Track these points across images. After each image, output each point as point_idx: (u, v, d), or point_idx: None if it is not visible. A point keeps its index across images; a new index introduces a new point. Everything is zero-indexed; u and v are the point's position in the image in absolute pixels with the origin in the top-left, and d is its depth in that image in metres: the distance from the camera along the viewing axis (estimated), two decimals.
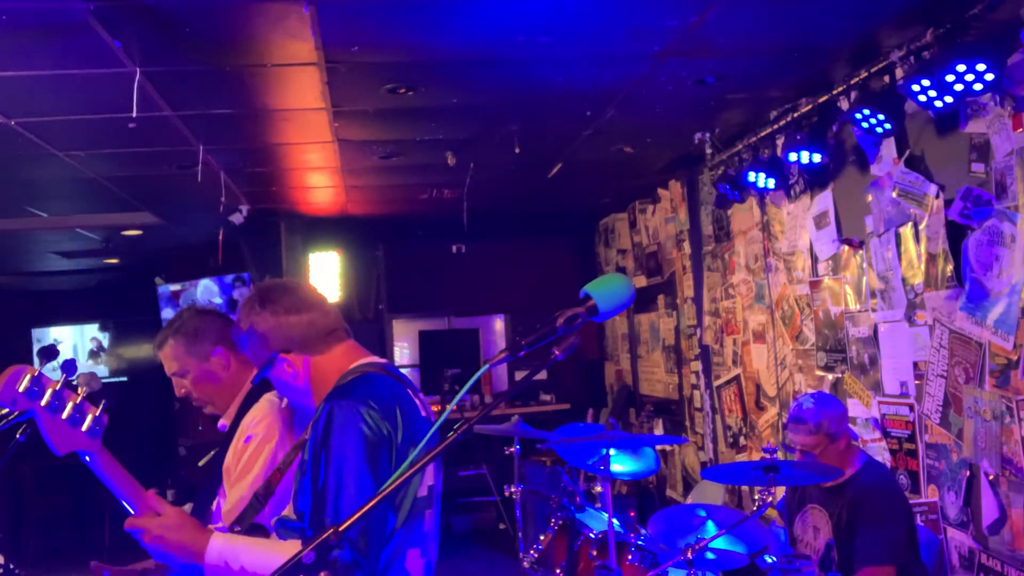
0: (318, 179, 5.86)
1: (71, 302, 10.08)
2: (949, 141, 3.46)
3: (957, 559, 3.51)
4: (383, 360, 2.10)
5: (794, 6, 3.15)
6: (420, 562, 1.93)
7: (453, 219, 7.52)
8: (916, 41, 3.27)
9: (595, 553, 3.54)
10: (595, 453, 3.78)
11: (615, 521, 3.42)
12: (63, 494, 8.76)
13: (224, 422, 2.55)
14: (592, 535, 3.56)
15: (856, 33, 3.47)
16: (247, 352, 2.11)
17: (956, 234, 3.44)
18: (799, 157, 4.11)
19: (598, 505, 3.92)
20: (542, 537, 3.84)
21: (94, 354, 9.64)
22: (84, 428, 2.07)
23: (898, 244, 3.82)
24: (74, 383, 2.10)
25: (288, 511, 1.98)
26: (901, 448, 3.87)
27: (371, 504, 1.31)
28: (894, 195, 3.79)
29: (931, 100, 3.19)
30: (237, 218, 6.03)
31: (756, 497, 3.13)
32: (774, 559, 3.01)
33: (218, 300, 7.59)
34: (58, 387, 2.01)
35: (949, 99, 3.14)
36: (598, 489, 3.97)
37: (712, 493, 5.59)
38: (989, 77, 2.99)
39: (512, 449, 4.55)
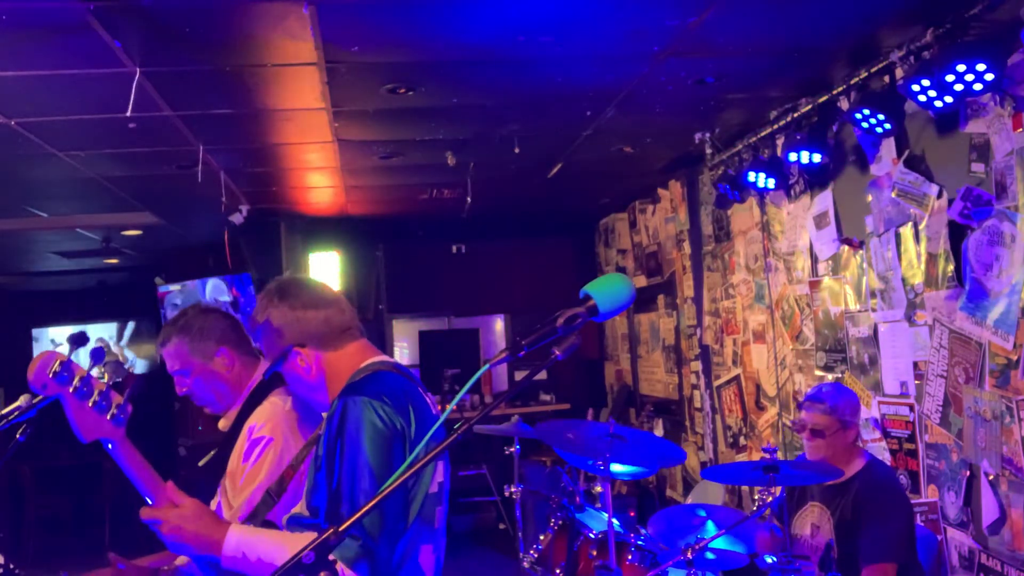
0: (318, 179, 5.86)
1: (71, 302, 10.09)
2: (949, 141, 3.46)
3: (957, 559, 3.51)
4: (393, 360, 2.13)
5: (794, 6, 3.15)
6: (432, 558, 1.96)
7: (453, 219, 7.52)
8: (916, 41, 3.27)
9: (595, 553, 3.54)
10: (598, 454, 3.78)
11: (615, 521, 3.42)
12: (63, 494, 8.76)
13: (225, 422, 2.54)
14: (592, 535, 3.56)
15: (856, 33, 3.47)
16: (262, 345, 2.12)
17: (956, 234, 3.44)
18: (799, 157, 4.11)
19: (598, 505, 3.92)
20: (542, 537, 3.84)
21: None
22: (109, 416, 2.11)
23: (898, 244, 3.83)
24: (102, 371, 2.14)
25: (300, 507, 1.99)
26: (901, 448, 3.87)
27: (377, 499, 1.32)
28: (894, 195, 3.79)
29: (931, 100, 3.19)
30: (237, 218, 6.02)
31: (756, 497, 3.13)
32: (774, 559, 3.01)
33: (225, 298, 7.57)
34: (85, 374, 2.05)
35: (949, 99, 3.14)
36: (598, 489, 3.96)
37: (712, 493, 5.59)
38: (989, 77, 2.99)
39: (512, 449, 4.55)
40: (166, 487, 1.98)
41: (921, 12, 3.22)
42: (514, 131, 4.71)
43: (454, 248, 8.57)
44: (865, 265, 4.10)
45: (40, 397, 2.10)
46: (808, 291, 4.67)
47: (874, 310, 4.04)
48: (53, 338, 9.67)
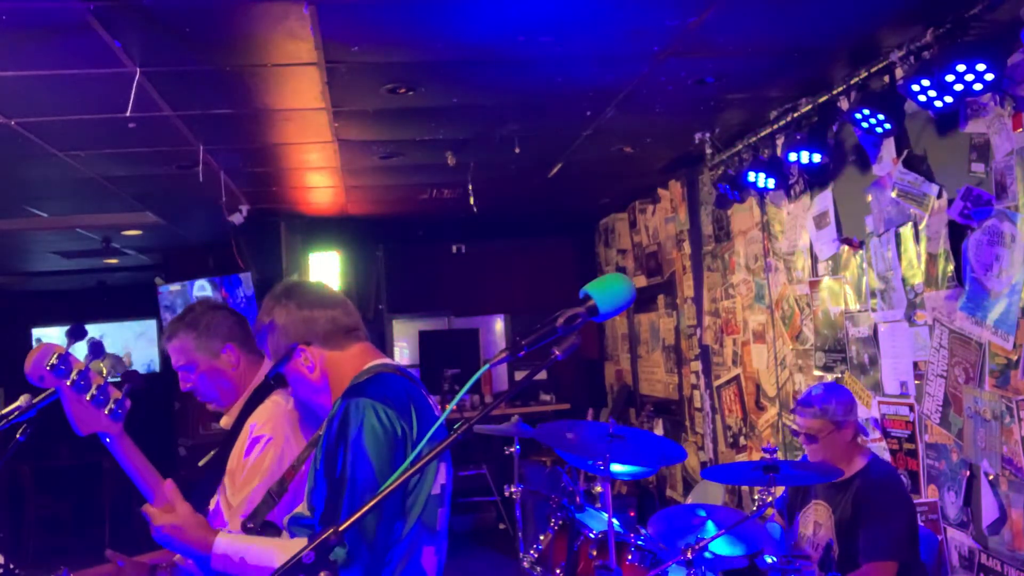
0: (318, 179, 5.86)
1: (71, 302, 10.09)
2: (949, 141, 3.46)
3: (957, 559, 3.51)
4: (397, 362, 2.14)
5: (794, 6, 3.15)
6: (434, 560, 1.96)
7: (453, 219, 7.53)
8: (916, 41, 3.27)
9: (595, 553, 3.54)
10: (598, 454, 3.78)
11: (615, 521, 3.42)
12: (63, 494, 8.76)
13: (227, 419, 2.54)
14: (592, 535, 3.56)
15: (856, 33, 3.47)
16: (266, 345, 2.13)
17: (956, 234, 3.44)
18: (799, 157, 4.11)
19: (598, 505, 3.92)
20: (542, 537, 3.84)
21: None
22: (106, 410, 2.11)
23: (898, 244, 3.82)
24: (101, 365, 2.14)
25: (300, 508, 1.99)
26: (901, 448, 3.87)
27: (375, 500, 1.31)
28: (894, 195, 3.79)
29: (931, 100, 3.19)
30: (237, 218, 6.02)
31: (756, 497, 3.13)
32: (774, 559, 3.01)
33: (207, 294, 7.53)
34: (84, 367, 2.05)
35: (949, 99, 3.14)
36: (598, 489, 3.96)
37: (712, 493, 5.59)
38: (989, 77, 2.98)
39: (512, 449, 4.55)
40: (165, 486, 1.98)
41: (921, 12, 3.22)
42: (514, 131, 4.71)
43: (454, 248, 8.57)
44: (865, 265, 4.10)
45: (40, 396, 2.11)
46: (808, 291, 4.67)
47: (874, 310, 4.04)
48: (39, 336, 9.66)
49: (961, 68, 3.00)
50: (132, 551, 2.52)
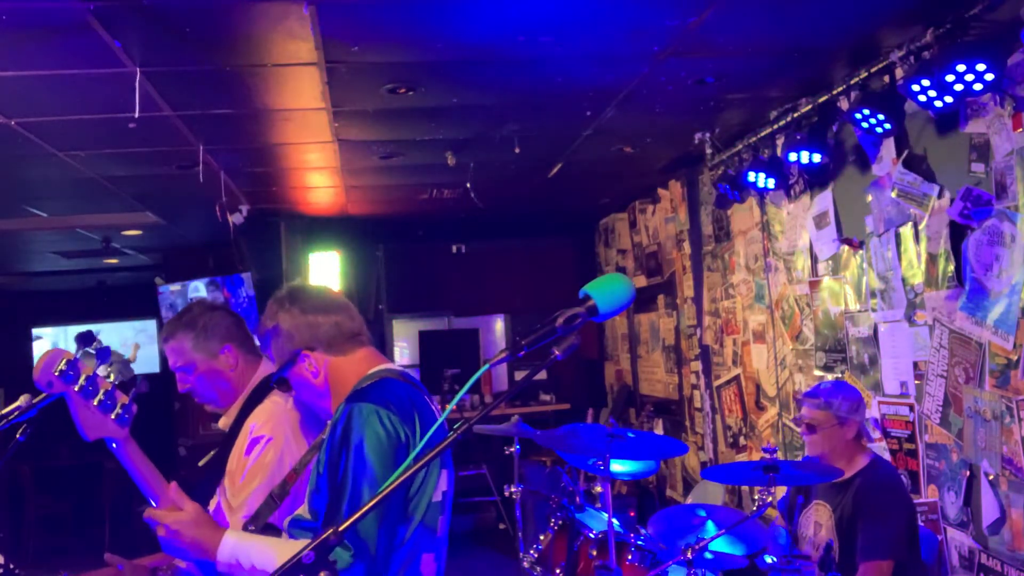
0: (318, 179, 5.86)
1: (71, 302, 10.09)
2: (949, 141, 3.46)
3: (957, 559, 3.51)
4: (400, 367, 2.13)
5: (794, 6, 3.15)
6: (433, 566, 1.96)
7: (453, 219, 7.53)
8: (916, 41, 3.27)
9: (595, 553, 3.54)
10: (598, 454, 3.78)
11: (615, 521, 3.42)
12: (63, 494, 8.76)
13: (226, 420, 2.54)
14: (592, 535, 3.56)
15: (856, 33, 3.47)
16: (270, 349, 2.13)
17: (956, 234, 3.44)
18: (799, 157, 4.11)
19: (598, 505, 3.92)
20: (542, 537, 3.84)
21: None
22: (113, 416, 2.11)
23: (898, 244, 3.82)
24: (108, 370, 2.14)
25: (301, 511, 1.99)
26: (901, 448, 3.87)
27: (376, 499, 1.31)
28: (894, 195, 3.79)
29: (931, 100, 3.19)
30: (237, 218, 6.02)
31: (756, 497, 3.13)
32: (774, 559, 3.01)
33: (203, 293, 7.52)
34: (92, 373, 2.06)
35: (949, 99, 3.14)
36: (598, 489, 3.96)
37: (712, 493, 5.59)
38: (989, 77, 2.98)
39: (512, 449, 4.55)
40: (169, 488, 1.98)
41: (921, 12, 3.22)
42: (514, 131, 4.71)
43: (454, 248, 8.57)
44: (865, 265, 4.10)
45: (41, 396, 2.11)
46: (808, 291, 4.67)
47: (874, 310, 4.04)
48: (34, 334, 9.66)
49: (961, 68, 3.00)
50: (132, 552, 2.52)
